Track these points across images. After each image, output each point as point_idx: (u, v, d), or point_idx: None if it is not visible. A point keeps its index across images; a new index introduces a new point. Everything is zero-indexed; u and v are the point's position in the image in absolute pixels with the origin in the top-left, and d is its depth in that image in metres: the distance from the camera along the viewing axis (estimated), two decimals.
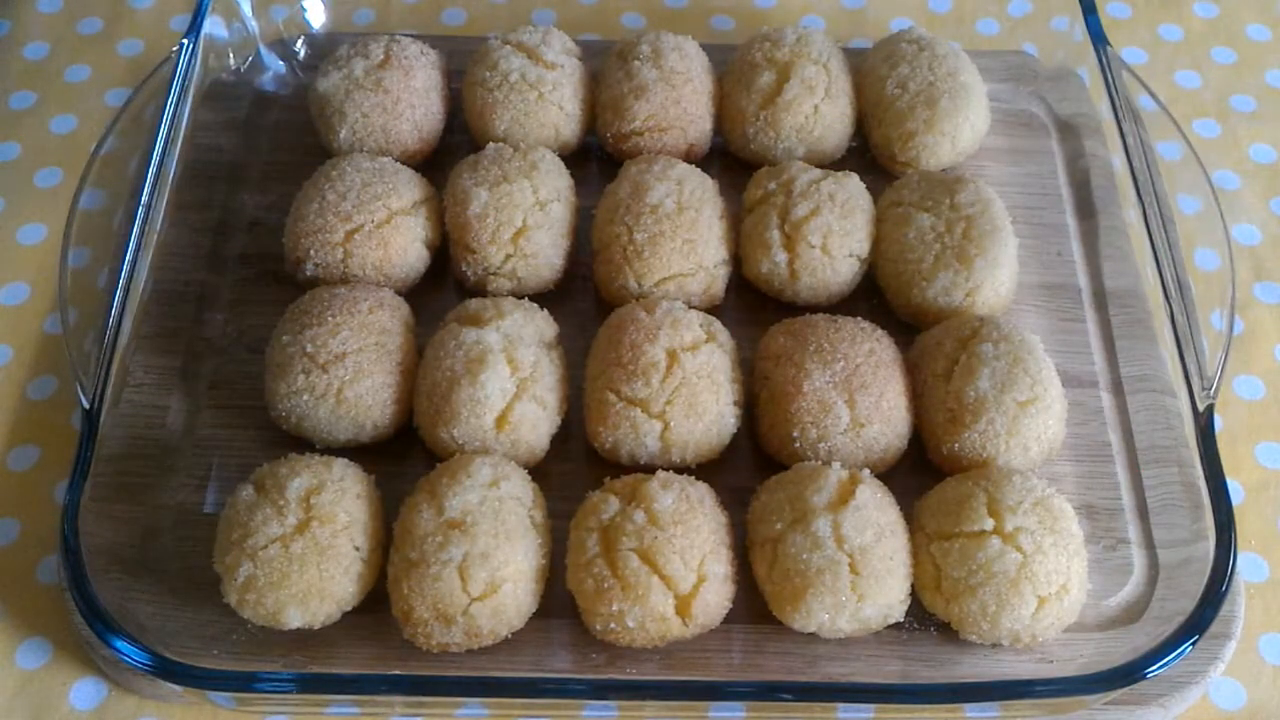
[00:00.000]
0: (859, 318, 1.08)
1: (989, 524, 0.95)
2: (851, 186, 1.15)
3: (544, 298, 1.13)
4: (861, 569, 0.93)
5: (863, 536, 0.93)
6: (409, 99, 1.21)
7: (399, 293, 1.13)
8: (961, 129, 1.21)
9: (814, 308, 1.14)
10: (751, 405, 1.08)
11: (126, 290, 1.07)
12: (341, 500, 0.96)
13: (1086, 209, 1.25)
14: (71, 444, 1.00)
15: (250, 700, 0.95)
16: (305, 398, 1.03)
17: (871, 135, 1.26)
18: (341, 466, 0.99)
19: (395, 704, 0.96)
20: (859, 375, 1.03)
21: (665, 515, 0.94)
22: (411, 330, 1.09)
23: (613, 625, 0.93)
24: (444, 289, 1.17)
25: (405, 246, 1.13)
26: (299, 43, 1.37)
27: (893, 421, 1.03)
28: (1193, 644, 0.91)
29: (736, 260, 1.16)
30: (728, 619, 0.97)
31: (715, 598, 0.94)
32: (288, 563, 0.93)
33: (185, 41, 1.22)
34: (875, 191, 1.18)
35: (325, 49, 1.30)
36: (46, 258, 1.24)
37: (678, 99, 1.21)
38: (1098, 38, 1.26)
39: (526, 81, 1.21)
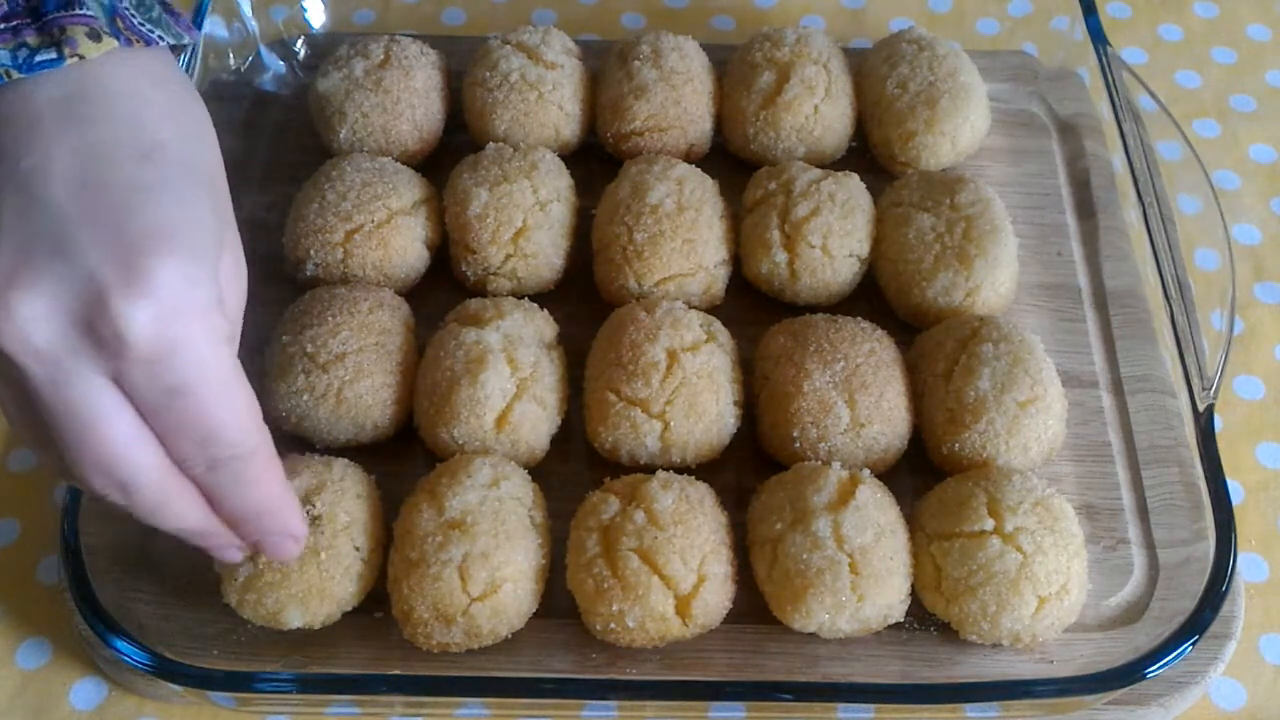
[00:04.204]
0: (859, 318, 1.08)
1: (989, 524, 0.95)
2: (851, 186, 1.15)
3: (544, 298, 1.13)
4: (862, 569, 0.93)
5: (863, 536, 0.93)
6: (409, 99, 1.21)
7: (399, 293, 1.12)
8: (961, 129, 1.21)
9: (814, 308, 1.14)
10: (751, 405, 1.08)
11: None
12: (341, 500, 0.96)
13: (1086, 209, 1.25)
14: None
15: (250, 700, 0.95)
16: (305, 398, 1.03)
17: (871, 135, 1.26)
18: (341, 466, 0.99)
19: (395, 704, 0.96)
20: (859, 375, 1.03)
21: (665, 515, 0.94)
22: (411, 330, 1.09)
23: (613, 625, 0.93)
24: (444, 289, 1.16)
25: (405, 246, 1.13)
26: (299, 43, 1.37)
27: (893, 421, 1.03)
28: (1193, 644, 0.91)
29: (736, 260, 1.16)
30: (728, 619, 0.96)
31: (715, 598, 0.94)
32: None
33: None
34: (875, 191, 1.18)
35: (325, 49, 1.29)
36: None
37: (678, 99, 1.21)
38: (1098, 38, 1.25)
39: (526, 81, 1.21)
